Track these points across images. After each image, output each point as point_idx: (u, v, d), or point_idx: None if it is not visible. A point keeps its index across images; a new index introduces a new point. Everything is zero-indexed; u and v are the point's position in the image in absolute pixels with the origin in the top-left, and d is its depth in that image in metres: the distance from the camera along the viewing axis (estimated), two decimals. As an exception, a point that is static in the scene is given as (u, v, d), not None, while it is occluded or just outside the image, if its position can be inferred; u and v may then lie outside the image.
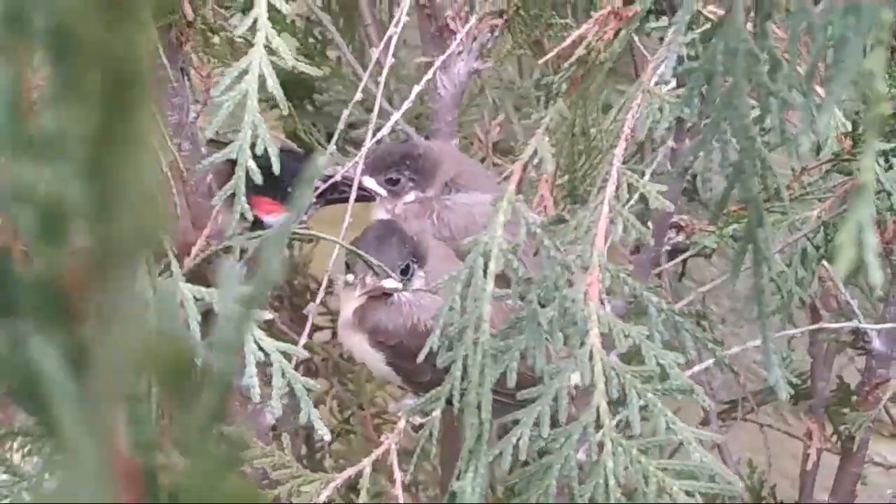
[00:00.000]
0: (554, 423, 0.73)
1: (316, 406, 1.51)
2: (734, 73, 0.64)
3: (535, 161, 0.72)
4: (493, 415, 0.77)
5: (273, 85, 0.76)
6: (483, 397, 0.69)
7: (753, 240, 0.66)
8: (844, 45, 0.48)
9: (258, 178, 0.77)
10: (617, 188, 0.76)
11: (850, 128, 0.94)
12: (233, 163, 0.91)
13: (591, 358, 0.72)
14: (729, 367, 0.77)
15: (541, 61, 0.86)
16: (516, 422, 0.73)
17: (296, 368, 1.49)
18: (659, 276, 1.46)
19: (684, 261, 1.61)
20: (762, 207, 0.66)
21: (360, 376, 1.39)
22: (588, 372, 0.72)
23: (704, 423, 1.49)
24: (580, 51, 0.73)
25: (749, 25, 0.64)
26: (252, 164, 0.76)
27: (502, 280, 0.74)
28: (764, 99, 0.63)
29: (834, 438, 1.34)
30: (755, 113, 0.65)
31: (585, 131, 0.77)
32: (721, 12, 0.68)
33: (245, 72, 0.76)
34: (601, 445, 0.71)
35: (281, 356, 0.77)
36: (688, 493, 0.68)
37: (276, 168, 0.77)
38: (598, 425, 0.71)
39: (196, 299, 0.77)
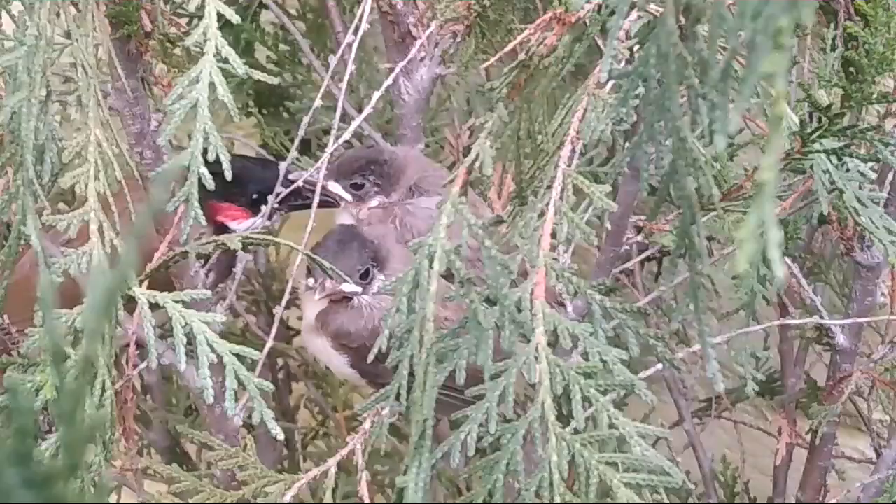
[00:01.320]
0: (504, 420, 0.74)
1: (295, 410, 1.54)
2: (666, 75, 0.66)
3: (478, 164, 0.74)
4: (446, 412, 0.79)
5: (223, 93, 0.78)
6: (426, 395, 0.71)
7: (688, 236, 0.67)
8: (753, 49, 0.49)
9: (210, 185, 0.78)
10: (562, 189, 0.78)
11: (799, 127, 0.96)
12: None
13: (536, 355, 0.74)
14: (671, 363, 0.78)
15: (483, 66, 0.88)
16: (466, 418, 0.75)
17: (276, 373, 1.52)
18: (630, 276, 1.48)
19: (660, 261, 1.64)
20: (695, 206, 0.67)
21: (334, 380, 1.41)
22: (533, 369, 0.73)
23: (678, 421, 1.51)
24: (521, 56, 0.74)
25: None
26: (204, 170, 0.78)
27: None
28: (693, 101, 0.64)
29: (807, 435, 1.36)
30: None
31: (531, 134, 0.78)
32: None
33: (196, 80, 0.78)
34: (546, 440, 0.72)
35: (234, 358, 0.78)
36: (627, 485, 0.70)
37: (227, 175, 0.78)
38: (544, 421, 0.73)
39: (150, 304, 0.79)
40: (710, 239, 1.38)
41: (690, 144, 0.65)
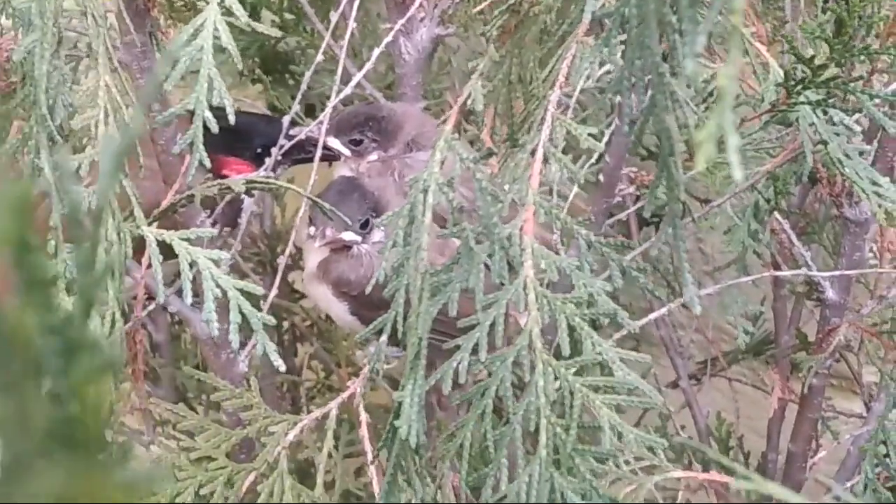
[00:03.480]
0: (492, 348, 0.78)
1: (300, 369, 1.58)
2: (645, 14, 0.69)
3: (469, 102, 0.77)
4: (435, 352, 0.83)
5: (227, 40, 0.81)
6: (421, 318, 0.75)
7: (667, 166, 0.71)
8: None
9: (214, 127, 0.82)
10: (551, 131, 0.81)
11: (783, 78, 0.99)
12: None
13: (525, 287, 0.77)
14: (652, 293, 0.81)
15: (475, 10, 0.91)
16: (458, 348, 0.79)
17: (283, 332, 1.56)
18: (628, 235, 1.51)
19: (657, 227, 1.67)
20: (674, 137, 0.71)
21: (338, 336, 1.45)
22: (522, 300, 0.77)
23: (675, 381, 1.55)
24: (509, 2, 0.78)
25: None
26: (209, 114, 0.82)
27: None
28: (670, 37, 0.68)
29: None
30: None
31: (522, 79, 0.82)
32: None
33: (200, 28, 0.81)
34: (533, 366, 0.76)
35: (238, 293, 0.82)
36: (608, 406, 0.74)
37: (231, 119, 0.82)
38: (532, 348, 0.77)
39: (157, 241, 0.82)
40: (704, 201, 1.43)
41: (668, 79, 0.68)
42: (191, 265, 0.83)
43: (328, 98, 1.45)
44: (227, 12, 0.85)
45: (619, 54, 0.75)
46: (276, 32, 0.92)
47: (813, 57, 0.96)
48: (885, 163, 1.20)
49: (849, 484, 1.27)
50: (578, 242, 0.80)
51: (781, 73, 1.00)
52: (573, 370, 0.75)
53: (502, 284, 0.78)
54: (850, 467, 1.29)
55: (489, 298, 0.78)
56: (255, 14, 1.50)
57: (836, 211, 1.24)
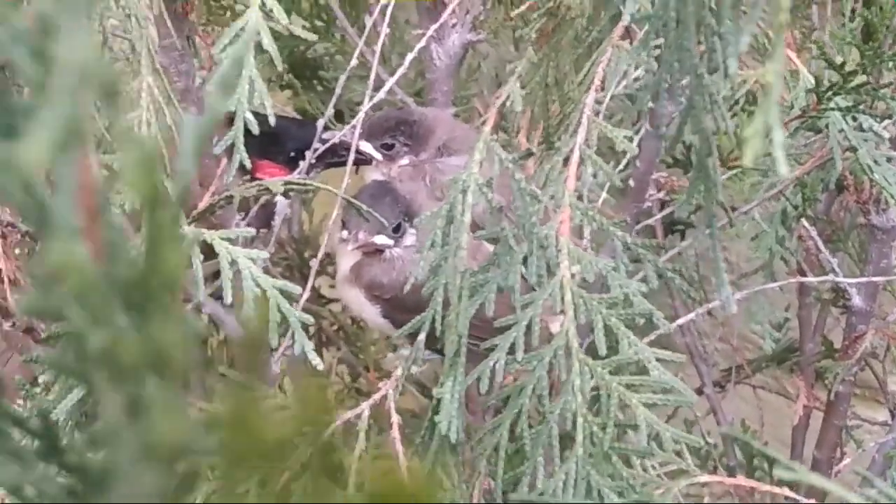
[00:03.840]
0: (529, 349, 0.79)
1: (328, 373, 1.59)
2: (684, 17, 0.70)
3: (509, 104, 0.78)
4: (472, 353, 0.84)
5: (268, 43, 0.82)
6: (461, 315, 0.76)
7: (704, 168, 0.72)
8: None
9: (255, 129, 0.83)
10: (587, 134, 0.82)
11: (814, 84, 1.00)
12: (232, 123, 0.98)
13: (561, 287, 0.78)
14: (687, 294, 0.82)
15: (514, 13, 0.92)
16: (494, 347, 0.80)
17: (311, 337, 1.57)
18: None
19: (682, 234, 1.68)
20: (712, 139, 0.72)
21: (366, 340, 1.46)
22: (559, 300, 0.78)
23: (700, 387, 1.56)
24: (548, 4, 0.79)
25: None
26: (249, 115, 0.83)
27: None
28: (708, 39, 0.69)
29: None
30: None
31: (559, 82, 0.83)
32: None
33: (242, 30, 0.82)
34: (570, 366, 0.77)
35: (277, 291, 0.83)
36: (645, 405, 0.74)
37: (271, 121, 0.83)
38: (568, 348, 0.77)
39: (198, 240, 0.83)
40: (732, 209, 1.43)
41: (707, 81, 0.69)
42: (230, 264, 0.84)
43: (357, 104, 1.46)
44: (267, 16, 0.87)
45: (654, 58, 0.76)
46: (313, 36, 0.92)
47: (844, 63, 0.97)
48: (910, 170, 1.21)
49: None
50: (614, 244, 0.81)
51: (812, 79, 1.01)
52: (608, 370, 0.76)
53: (539, 285, 0.79)
54: (876, 475, 1.29)
55: (526, 298, 0.79)
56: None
57: (864, 218, 1.25)
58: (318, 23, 1.51)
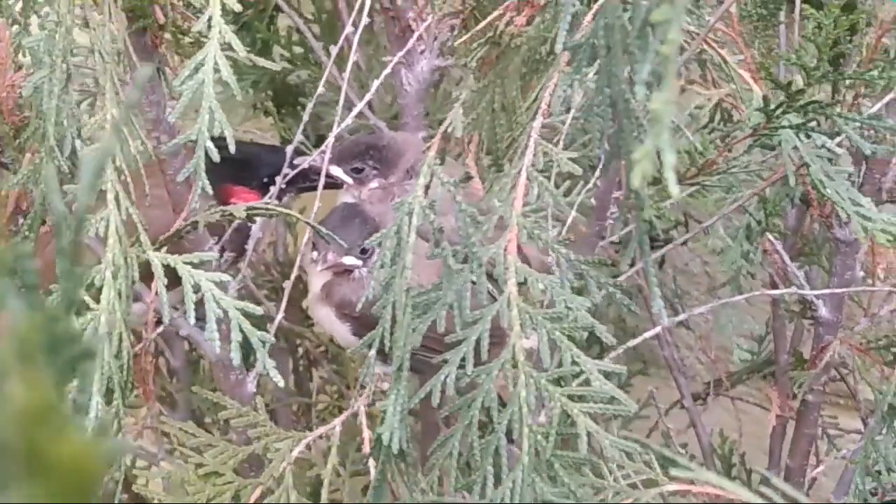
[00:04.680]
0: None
1: (316, 391, 1.62)
2: (612, 44, 0.74)
3: (450, 130, 0.82)
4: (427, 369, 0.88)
5: (227, 74, 0.86)
6: (406, 332, 0.79)
7: (632, 189, 0.75)
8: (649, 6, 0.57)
9: (215, 157, 0.87)
10: (534, 156, 0.86)
11: (763, 103, 1.03)
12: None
13: (508, 304, 0.82)
14: (628, 308, 0.86)
15: (458, 42, 0.96)
16: (446, 362, 0.83)
17: (299, 358, 1.61)
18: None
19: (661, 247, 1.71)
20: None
21: (347, 359, 1.49)
22: (506, 316, 0.81)
23: (679, 400, 1.59)
24: (488, 34, 0.82)
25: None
26: (210, 143, 0.86)
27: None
28: (633, 66, 0.72)
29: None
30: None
31: (506, 107, 0.86)
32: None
33: (202, 63, 0.86)
34: (517, 378, 0.80)
35: (238, 312, 0.87)
36: (584, 413, 0.78)
37: (231, 149, 0.87)
38: (514, 362, 0.81)
39: (163, 265, 0.87)
40: (691, 218, 1.47)
41: (633, 105, 0.73)
42: (194, 287, 0.87)
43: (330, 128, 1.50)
44: (229, 47, 0.90)
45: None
46: (277, 66, 0.96)
47: (790, 83, 1.01)
48: (873, 184, 1.24)
49: (845, 499, 1.31)
50: (559, 262, 0.84)
51: (761, 94, 1.05)
52: (552, 381, 0.80)
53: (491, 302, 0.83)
54: (847, 482, 1.32)
55: (475, 315, 0.83)
56: (266, 48, 1.56)
57: (828, 231, 1.28)
58: (298, 49, 1.55)
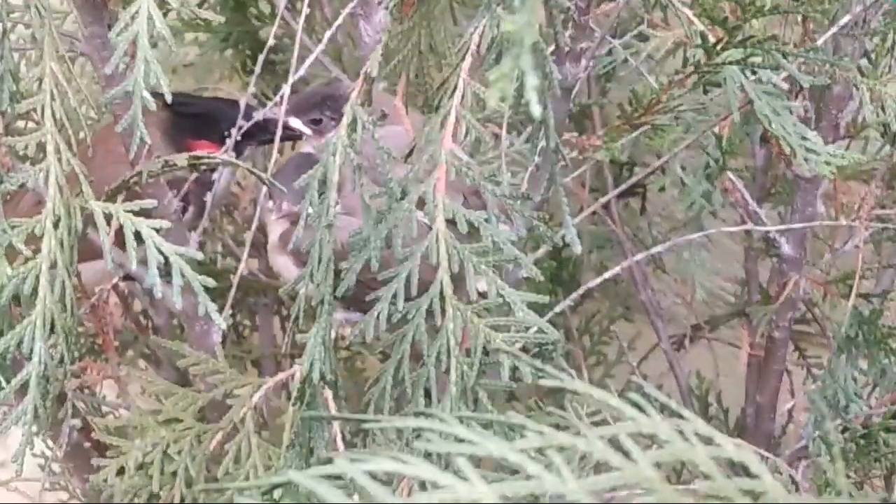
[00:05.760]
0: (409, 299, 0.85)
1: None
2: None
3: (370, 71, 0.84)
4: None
5: (160, 26, 0.88)
6: (327, 270, 0.81)
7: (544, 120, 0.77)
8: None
9: (152, 106, 0.89)
10: (462, 96, 0.87)
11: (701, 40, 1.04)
12: (171, 107, 1.04)
13: (437, 240, 0.84)
14: (550, 239, 0.88)
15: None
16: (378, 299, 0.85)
17: (285, 316, 1.63)
18: (607, 208, 1.56)
19: (643, 196, 1.74)
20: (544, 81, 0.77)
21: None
22: (434, 251, 0.84)
23: (657, 343, 1.61)
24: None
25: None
26: (146, 93, 0.88)
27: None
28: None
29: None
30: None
31: (434, 49, 0.88)
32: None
33: (136, 14, 0.88)
34: (444, 312, 0.83)
35: (179, 258, 0.89)
36: (506, 342, 0.80)
37: (168, 98, 0.89)
38: (443, 296, 0.83)
39: (104, 214, 0.89)
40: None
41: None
42: (135, 235, 0.90)
43: (306, 84, 1.52)
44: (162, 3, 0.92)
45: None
46: (220, 17, 0.98)
47: (726, 18, 1.02)
48: (830, 121, 1.25)
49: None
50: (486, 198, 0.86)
51: (702, 28, 1.06)
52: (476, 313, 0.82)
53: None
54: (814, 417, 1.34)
55: (406, 252, 0.85)
56: (239, 6, 1.58)
57: (787, 168, 1.30)
58: (266, 7, 1.57)
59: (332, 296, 0.83)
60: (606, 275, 1.22)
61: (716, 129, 1.23)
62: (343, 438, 1.00)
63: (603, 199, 1.22)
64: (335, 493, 0.47)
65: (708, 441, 0.57)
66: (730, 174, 1.30)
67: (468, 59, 0.89)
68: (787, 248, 1.32)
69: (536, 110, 0.54)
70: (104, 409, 1.19)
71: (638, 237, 1.66)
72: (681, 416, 0.58)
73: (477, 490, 0.50)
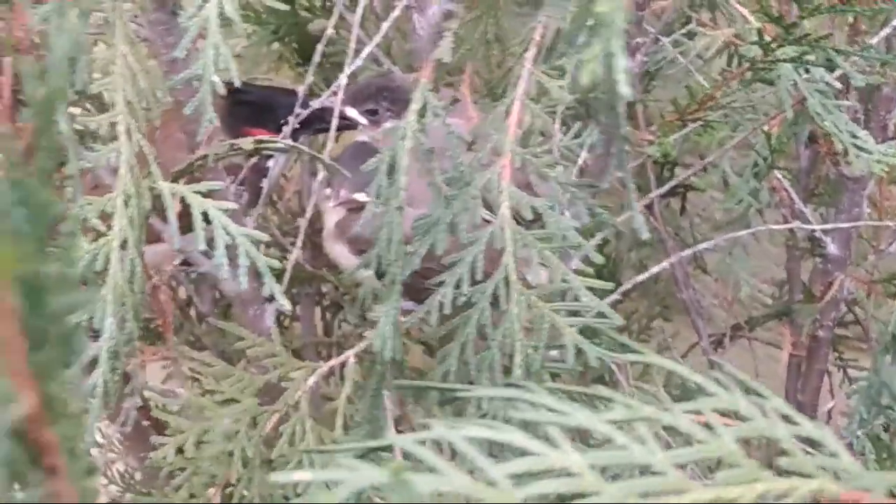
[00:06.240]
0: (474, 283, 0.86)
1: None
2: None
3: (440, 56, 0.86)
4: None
5: (231, 10, 0.89)
6: (398, 249, 0.83)
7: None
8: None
9: (221, 90, 0.90)
10: (527, 85, 0.89)
11: (758, 37, 1.06)
12: (229, 96, 1.05)
13: (502, 225, 0.85)
14: (614, 224, 0.89)
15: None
16: (442, 283, 0.87)
17: (326, 306, 1.65)
18: (650, 208, 1.58)
19: (684, 196, 1.74)
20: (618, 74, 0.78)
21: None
22: (500, 237, 0.85)
23: (697, 342, 1.62)
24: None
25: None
26: (216, 78, 0.90)
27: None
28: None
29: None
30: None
31: (500, 39, 0.89)
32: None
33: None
34: (510, 296, 0.84)
35: (246, 239, 0.90)
36: (571, 326, 0.81)
37: (236, 82, 0.90)
38: (507, 281, 0.84)
39: (173, 194, 0.91)
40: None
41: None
42: (203, 215, 0.91)
43: (355, 77, 1.54)
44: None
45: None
46: (282, 6, 0.99)
47: (781, 16, 1.03)
48: (878, 121, 1.26)
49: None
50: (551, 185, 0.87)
51: (757, 25, 1.07)
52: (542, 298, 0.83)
53: (487, 223, 0.86)
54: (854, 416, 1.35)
55: (471, 237, 0.86)
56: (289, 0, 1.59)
57: (834, 168, 1.31)
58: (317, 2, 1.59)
59: (401, 276, 0.84)
60: (652, 271, 1.23)
61: (765, 128, 1.24)
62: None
63: (652, 195, 1.23)
64: (436, 458, 0.48)
65: (786, 419, 0.58)
66: (777, 173, 1.31)
67: (533, 48, 0.90)
68: (832, 248, 1.33)
69: (626, 91, 0.55)
70: (160, 389, 1.20)
71: (679, 236, 1.67)
72: (759, 395, 0.59)
73: (569, 458, 0.51)
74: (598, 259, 0.85)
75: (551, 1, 0.77)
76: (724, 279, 1.74)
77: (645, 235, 0.76)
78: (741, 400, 0.57)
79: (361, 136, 1.23)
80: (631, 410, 0.55)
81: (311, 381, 1.09)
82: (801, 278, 1.54)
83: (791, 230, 1.38)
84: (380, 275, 0.88)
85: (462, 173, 0.83)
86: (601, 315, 0.83)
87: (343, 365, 1.11)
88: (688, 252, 1.25)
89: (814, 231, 1.31)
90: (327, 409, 1.17)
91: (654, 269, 1.22)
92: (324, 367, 1.10)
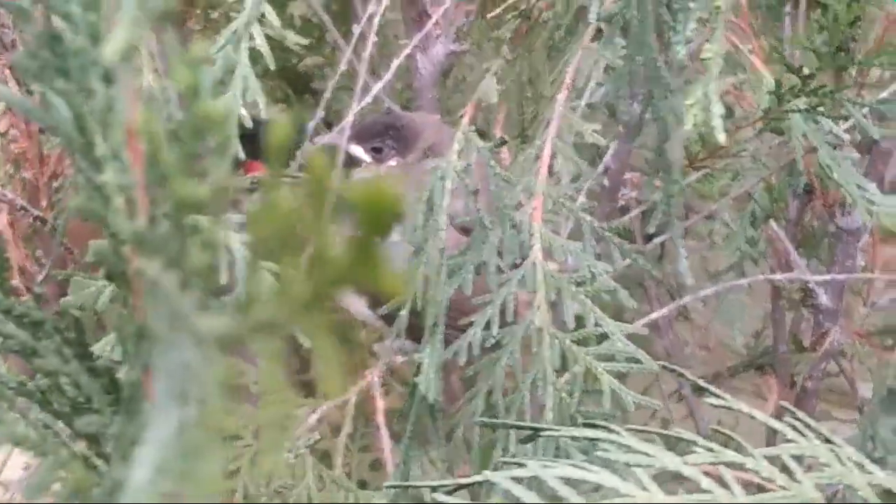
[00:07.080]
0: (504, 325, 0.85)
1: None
2: (644, 15, 0.77)
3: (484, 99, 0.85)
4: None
5: (261, 43, 0.88)
6: (440, 290, 0.82)
7: (662, 153, 0.78)
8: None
9: (248, 123, 0.89)
10: (559, 128, 0.89)
11: (774, 87, 1.06)
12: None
13: (534, 267, 0.85)
14: (648, 271, 0.88)
15: (489, 15, 0.99)
16: (471, 324, 0.86)
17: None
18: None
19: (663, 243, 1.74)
20: (669, 126, 0.78)
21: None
22: (532, 280, 0.84)
23: (678, 389, 1.62)
24: (521, 8, 0.85)
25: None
26: (243, 110, 0.89)
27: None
28: (665, 35, 0.75)
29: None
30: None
31: (533, 80, 0.89)
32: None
33: (235, 32, 0.89)
34: (541, 339, 0.83)
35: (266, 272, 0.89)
36: (608, 372, 0.81)
37: (247, 123, 0.90)
38: (539, 322, 0.84)
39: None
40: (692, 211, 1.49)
41: (664, 72, 0.76)
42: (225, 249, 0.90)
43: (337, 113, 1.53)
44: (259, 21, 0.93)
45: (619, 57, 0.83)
46: (303, 40, 0.98)
47: (801, 67, 1.03)
48: (876, 174, 1.27)
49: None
50: (583, 229, 0.87)
51: (772, 80, 1.07)
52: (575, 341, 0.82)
53: (515, 265, 0.86)
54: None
55: (502, 278, 0.85)
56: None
57: (830, 220, 1.31)
58: (309, 38, 1.58)
59: (444, 316, 0.83)
60: (646, 319, 1.22)
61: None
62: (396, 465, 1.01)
63: (655, 241, 1.22)
64: (530, 494, 0.48)
65: (859, 466, 0.58)
66: (773, 223, 1.31)
67: (564, 91, 0.90)
68: (824, 299, 1.34)
69: (721, 137, 0.55)
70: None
71: (661, 282, 1.67)
72: (831, 442, 0.59)
73: (655, 498, 0.50)
74: (632, 304, 0.85)
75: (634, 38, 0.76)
76: (705, 328, 1.75)
77: (689, 281, 0.76)
78: (819, 447, 0.57)
79: (363, 173, 1.22)
80: (714, 454, 0.55)
81: (314, 419, 1.08)
82: (785, 329, 1.55)
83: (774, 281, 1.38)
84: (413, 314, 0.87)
85: (505, 213, 0.82)
86: (633, 360, 0.83)
87: (344, 403, 1.10)
88: (686, 300, 1.24)
89: (807, 282, 1.31)
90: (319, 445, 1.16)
91: (647, 318, 1.21)
92: (325, 405, 1.09)
